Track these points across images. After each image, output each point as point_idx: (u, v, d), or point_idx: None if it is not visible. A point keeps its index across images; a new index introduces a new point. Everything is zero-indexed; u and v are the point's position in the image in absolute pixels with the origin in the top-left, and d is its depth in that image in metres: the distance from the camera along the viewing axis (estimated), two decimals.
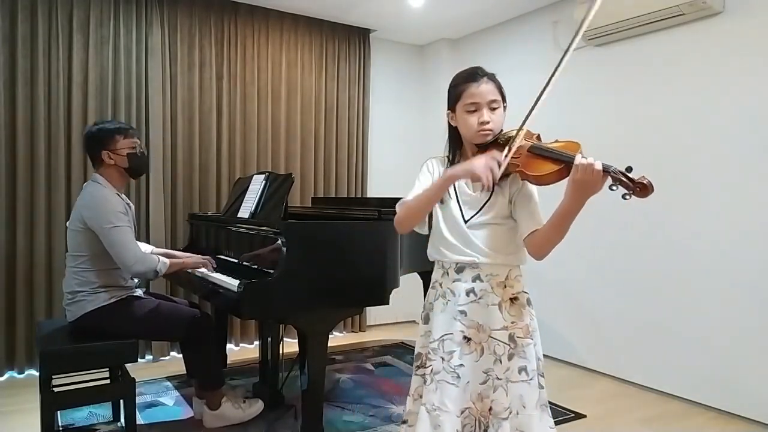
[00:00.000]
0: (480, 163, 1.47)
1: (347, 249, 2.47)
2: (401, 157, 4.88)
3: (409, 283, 3.02)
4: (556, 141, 1.52)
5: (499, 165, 1.47)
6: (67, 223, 2.56)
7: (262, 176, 3.01)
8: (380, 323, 4.91)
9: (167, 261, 2.52)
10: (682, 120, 3.22)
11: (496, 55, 4.47)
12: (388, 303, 2.57)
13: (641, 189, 1.32)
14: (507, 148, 1.51)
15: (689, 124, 3.19)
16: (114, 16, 3.69)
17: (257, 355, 3.36)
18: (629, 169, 1.35)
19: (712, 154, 3.08)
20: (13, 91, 3.43)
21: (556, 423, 2.82)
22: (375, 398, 3.14)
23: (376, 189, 4.85)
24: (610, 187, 1.36)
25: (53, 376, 2.40)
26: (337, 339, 4.50)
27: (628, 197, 1.34)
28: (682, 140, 3.22)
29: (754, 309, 2.90)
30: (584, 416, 2.96)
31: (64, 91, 3.55)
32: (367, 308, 4.53)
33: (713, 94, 3.08)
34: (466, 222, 1.61)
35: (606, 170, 1.35)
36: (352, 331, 4.75)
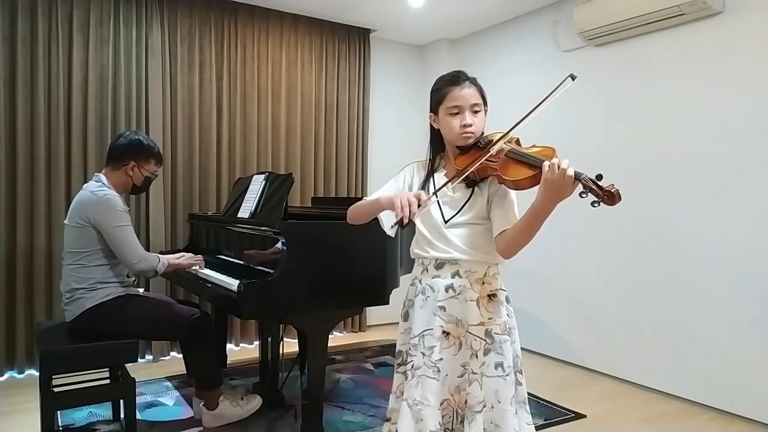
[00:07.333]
0: (403, 198, 1.49)
1: (347, 249, 2.48)
2: (401, 157, 4.81)
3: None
4: (533, 146, 1.55)
5: (419, 203, 1.48)
6: (65, 220, 2.57)
7: (262, 176, 3.01)
8: (380, 323, 4.90)
9: (166, 261, 2.60)
10: (681, 120, 3.22)
11: (496, 55, 4.47)
12: (388, 303, 2.57)
13: (609, 197, 1.34)
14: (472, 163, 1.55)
15: (689, 124, 3.19)
16: (114, 16, 3.69)
17: (257, 355, 3.36)
18: (599, 176, 1.37)
19: (712, 155, 3.08)
20: (13, 91, 3.43)
21: (557, 423, 2.86)
22: (375, 398, 3.14)
23: (376, 189, 4.82)
24: (580, 195, 1.39)
25: (53, 376, 2.40)
26: (337, 339, 4.50)
27: (596, 205, 1.36)
28: (682, 140, 3.22)
29: (754, 309, 2.91)
30: (584, 416, 2.96)
31: (64, 91, 3.55)
32: (367, 308, 4.53)
33: (713, 94, 3.08)
34: (446, 222, 1.64)
35: (577, 177, 1.37)
36: (352, 331, 4.75)
